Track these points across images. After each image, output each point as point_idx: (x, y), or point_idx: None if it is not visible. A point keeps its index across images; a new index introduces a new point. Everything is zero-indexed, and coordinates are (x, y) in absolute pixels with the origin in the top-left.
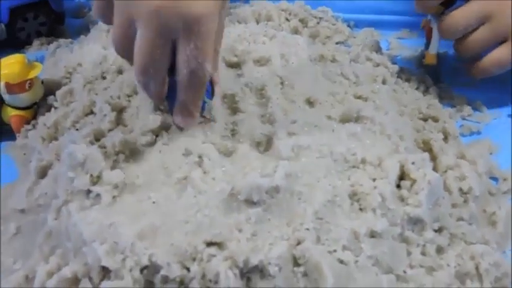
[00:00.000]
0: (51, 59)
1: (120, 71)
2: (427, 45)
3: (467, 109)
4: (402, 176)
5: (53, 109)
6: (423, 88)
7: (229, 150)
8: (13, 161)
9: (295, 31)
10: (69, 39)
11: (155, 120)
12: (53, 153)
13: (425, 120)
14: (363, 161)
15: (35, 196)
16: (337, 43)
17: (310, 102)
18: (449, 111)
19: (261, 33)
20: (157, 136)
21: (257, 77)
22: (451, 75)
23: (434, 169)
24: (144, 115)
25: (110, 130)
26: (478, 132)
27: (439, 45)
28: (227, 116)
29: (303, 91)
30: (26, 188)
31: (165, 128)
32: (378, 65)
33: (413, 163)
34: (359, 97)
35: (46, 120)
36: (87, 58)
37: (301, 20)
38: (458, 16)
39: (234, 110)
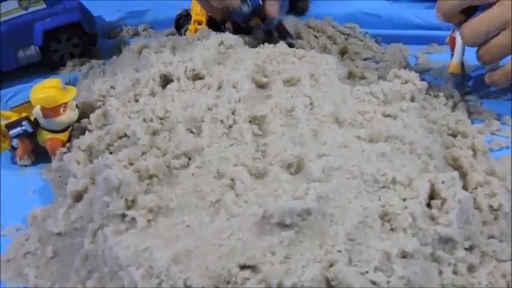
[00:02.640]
0: (85, 81)
1: (153, 93)
2: (452, 55)
3: (496, 124)
4: (432, 195)
5: (87, 132)
6: (451, 104)
7: (261, 172)
8: (49, 184)
9: (324, 48)
10: (102, 61)
11: (188, 142)
12: (88, 177)
13: (454, 136)
14: (393, 181)
15: (72, 220)
16: (365, 59)
17: (339, 122)
18: (478, 126)
19: (290, 54)
20: (190, 159)
21: (287, 97)
22: (479, 86)
23: (464, 186)
24: (176, 138)
25: (143, 153)
26: (507, 147)
27: (463, 54)
28: (258, 138)
29: (332, 111)
30: (63, 212)
31: (197, 150)
32: (406, 82)
33: (443, 182)
34: (388, 115)
35: (81, 143)
36: (120, 81)
37: (329, 37)
38: (479, 22)
39: (265, 131)
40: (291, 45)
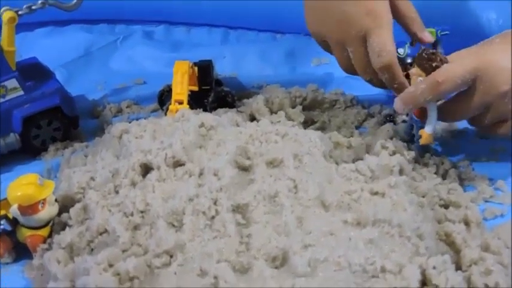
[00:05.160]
0: (65, 171)
1: (133, 184)
2: (415, 124)
3: (489, 190)
4: (424, 281)
5: (67, 227)
6: (442, 171)
7: (245, 267)
8: (32, 283)
9: (310, 121)
10: (85, 143)
11: (169, 239)
12: (68, 279)
13: (446, 207)
14: (383, 270)
15: None
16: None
17: (325, 206)
18: (471, 195)
19: (273, 132)
20: (171, 256)
21: (270, 182)
22: (470, 150)
23: (458, 264)
24: (157, 234)
25: (124, 251)
26: (502, 215)
27: (435, 124)
28: (242, 228)
29: (318, 194)
30: None
31: (179, 247)
32: (394, 153)
33: (434, 267)
34: (375, 193)
35: (61, 240)
36: (100, 171)
37: (314, 105)
38: (463, 109)
39: (248, 220)
40: None
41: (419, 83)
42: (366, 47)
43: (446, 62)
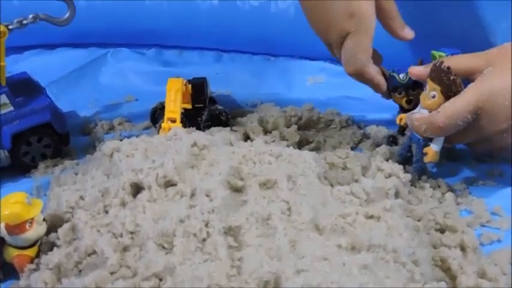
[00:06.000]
0: (55, 189)
1: (123, 204)
2: (417, 143)
3: (486, 215)
4: None
5: (55, 248)
6: (439, 195)
7: None
8: None
9: (305, 141)
10: (75, 161)
11: (158, 262)
12: None
13: (442, 231)
14: None
15: None
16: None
17: (319, 229)
18: (467, 219)
19: (266, 152)
20: (161, 280)
21: (263, 204)
22: (467, 173)
23: None
24: (147, 256)
25: (112, 273)
26: (499, 241)
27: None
28: (233, 251)
29: (311, 216)
30: None
31: (169, 270)
32: (389, 175)
33: None
34: (370, 217)
35: (49, 260)
36: (90, 190)
37: (309, 125)
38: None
39: (240, 243)
40: None
41: (421, 121)
42: None
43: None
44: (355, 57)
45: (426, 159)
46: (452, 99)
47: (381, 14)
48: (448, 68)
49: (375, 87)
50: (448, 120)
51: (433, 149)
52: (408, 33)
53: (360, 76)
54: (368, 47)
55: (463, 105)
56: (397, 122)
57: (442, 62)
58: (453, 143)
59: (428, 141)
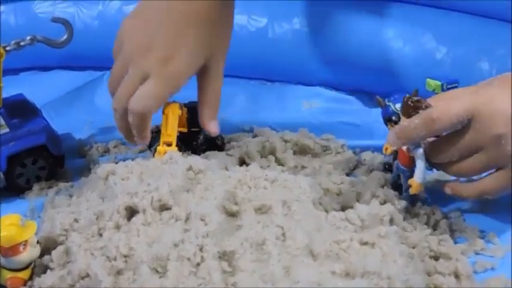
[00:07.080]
0: (49, 211)
1: (117, 227)
2: (402, 174)
3: (480, 243)
4: None
5: (49, 270)
6: (433, 222)
7: None
8: None
9: (300, 166)
10: (70, 183)
11: (152, 287)
12: None
13: (436, 259)
14: None
15: None
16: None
17: (313, 255)
18: (461, 247)
19: (262, 177)
20: None
21: (257, 229)
22: (461, 200)
23: None
24: (140, 280)
25: None
26: (493, 269)
27: (425, 172)
28: (227, 276)
29: (306, 242)
30: None
31: None
32: (384, 202)
33: None
34: (365, 243)
35: (42, 283)
36: (84, 213)
37: (305, 150)
38: (452, 149)
39: (234, 268)
40: None
41: (413, 118)
42: None
43: None
44: (146, 99)
45: (411, 191)
46: (448, 101)
47: (202, 93)
48: (417, 101)
49: (141, 139)
50: (442, 113)
51: (416, 181)
52: (212, 128)
53: (140, 118)
54: (159, 94)
55: (458, 105)
56: (384, 151)
57: (409, 98)
58: (443, 157)
59: (412, 172)
